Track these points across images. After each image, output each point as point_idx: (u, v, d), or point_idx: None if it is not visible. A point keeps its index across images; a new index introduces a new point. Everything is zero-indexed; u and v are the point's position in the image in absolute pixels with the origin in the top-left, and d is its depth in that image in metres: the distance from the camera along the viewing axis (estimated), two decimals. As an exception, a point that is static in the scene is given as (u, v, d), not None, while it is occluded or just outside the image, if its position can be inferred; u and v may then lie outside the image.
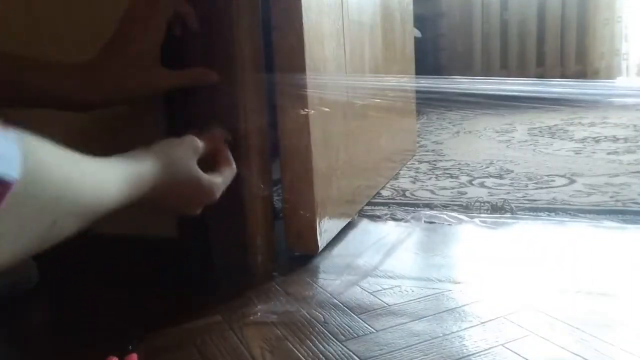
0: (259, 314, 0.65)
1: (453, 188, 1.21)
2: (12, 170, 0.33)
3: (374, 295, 0.69)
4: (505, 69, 3.11)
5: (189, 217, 0.64)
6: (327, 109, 0.84)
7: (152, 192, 0.53)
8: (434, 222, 0.97)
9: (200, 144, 0.61)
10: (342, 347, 0.56)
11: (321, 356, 0.55)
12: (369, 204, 1.10)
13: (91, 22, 0.75)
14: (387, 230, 0.95)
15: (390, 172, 1.32)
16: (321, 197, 0.81)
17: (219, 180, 0.63)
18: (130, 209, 0.55)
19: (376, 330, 0.59)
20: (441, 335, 0.57)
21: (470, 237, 0.91)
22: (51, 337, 0.66)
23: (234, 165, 0.67)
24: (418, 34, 2.41)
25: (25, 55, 0.60)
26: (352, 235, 0.93)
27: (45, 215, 0.38)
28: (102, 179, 0.45)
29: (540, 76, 2.96)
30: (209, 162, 0.63)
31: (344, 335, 0.59)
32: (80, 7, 0.77)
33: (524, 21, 3.04)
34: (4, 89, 0.58)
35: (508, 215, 0.99)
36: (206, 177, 0.61)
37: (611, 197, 1.06)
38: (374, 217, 1.02)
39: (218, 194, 0.63)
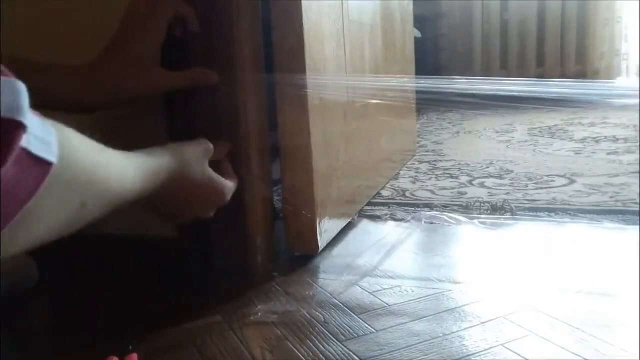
0: (259, 314, 0.65)
1: (453, 188, 1.21)
2: (51, 155, 0.34)
3: (374, 295, 0.69)
4: (505, 69, 3.12)
5: (202, 219, 0.65)
6: (327, 109, 0.84)
7: (167, 187, 0.55)
8: (434, 223, 0.97)
9: (211, 146, 0.63)
10: (342, 347, 0.56)
11: (321, 356, 0.55)
12: (369, 204, 1.10)
13: (91, 24, 0.75)
14: (387, 230, 0.95)
15: (390, 172, 1.32)
16: (321, 197, 0.81)
17: (230, 184, 0.66)
18: (141, 212, 0.57)
19: (376, 330, 0.59)
20: (441, 335, 0.57)
21: (470, 237, 0.91)
22: (51, 337, 0.66)
23: (236, 180, 0.69)
24: (418, 34, 2.41)
25: (25, 57, 0.60)
26: (352, 235, 0.93)
27: (76, 198, 0.40)
28: (124, 167, 0.48)
29: (540, 76, 2.97)
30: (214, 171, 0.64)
31: (344, 335, 0.59)
32: (80, 8, 0.77)
33: (524, 21, 3.04)
34: None
35: (508, 215, 0.99)
36: (219, 177, 0.63)
37: (611, 197, 1.06)
38: (374, 217, 1.02)
39: (229, 196, 0.65)
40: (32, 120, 0.33)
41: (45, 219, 0.37)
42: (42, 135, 0.34)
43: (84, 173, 0.41)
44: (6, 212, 0.32)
